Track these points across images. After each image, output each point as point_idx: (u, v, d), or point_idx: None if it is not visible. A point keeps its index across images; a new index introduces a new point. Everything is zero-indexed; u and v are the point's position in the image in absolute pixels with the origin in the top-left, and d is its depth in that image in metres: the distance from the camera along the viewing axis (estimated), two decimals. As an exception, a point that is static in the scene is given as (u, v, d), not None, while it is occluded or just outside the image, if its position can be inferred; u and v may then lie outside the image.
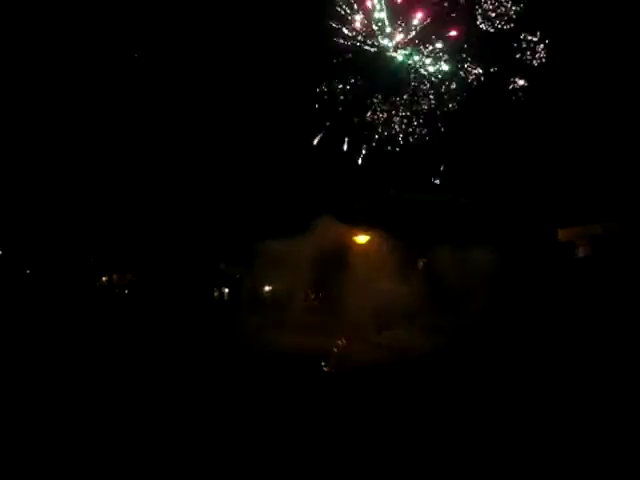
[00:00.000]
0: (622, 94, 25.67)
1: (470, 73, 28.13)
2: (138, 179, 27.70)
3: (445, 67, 28.14)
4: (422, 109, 28.49)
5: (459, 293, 21.09)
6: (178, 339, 19.20)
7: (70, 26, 26.27)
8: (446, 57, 28.03)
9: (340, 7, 27.87)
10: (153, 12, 26.98)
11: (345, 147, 29.00)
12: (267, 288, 28.58)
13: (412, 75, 28.35)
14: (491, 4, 27.47)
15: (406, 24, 27.83)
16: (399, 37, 28.05)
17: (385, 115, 28.66)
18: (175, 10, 27.22)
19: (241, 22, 27.43)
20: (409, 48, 28.08)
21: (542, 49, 27.73)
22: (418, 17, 27.69)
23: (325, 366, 15.60)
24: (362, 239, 20.76)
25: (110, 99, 27.43)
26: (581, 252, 25.97)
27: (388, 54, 28.19)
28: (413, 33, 27.94)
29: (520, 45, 27.92)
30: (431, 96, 28.44)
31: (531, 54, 27.94)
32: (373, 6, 27.79)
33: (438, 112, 28.41)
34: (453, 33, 27.89)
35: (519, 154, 27.44)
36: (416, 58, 28.07)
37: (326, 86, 28.85)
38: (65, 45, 26.51)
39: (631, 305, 19.10)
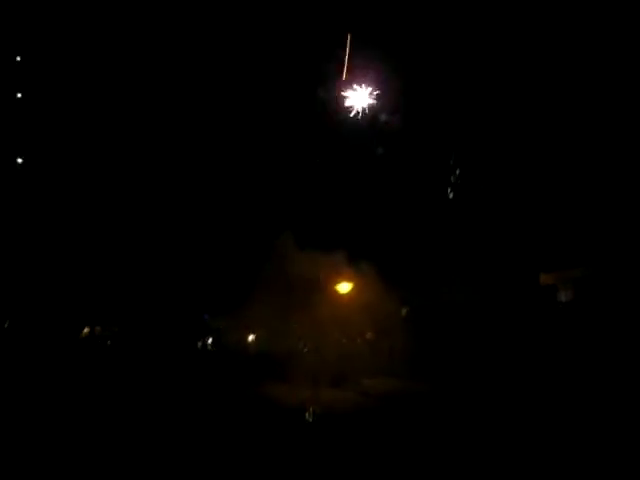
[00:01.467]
0: (598, 137, 25.96)
1: None
2: (120, 231, 27.71)
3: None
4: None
5: (442, 340, 21.10)
6: (161, 389, 19.02)
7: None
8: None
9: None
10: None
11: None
12: (251, 337, 28.41)
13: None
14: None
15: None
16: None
17: None
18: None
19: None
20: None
21: None
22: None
23: (307, 415, 15.45)
24: (345, 287, 20.80)
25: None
26: (563, 296, 26.09)
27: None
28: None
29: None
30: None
31: None
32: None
33: None
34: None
35: (499, 199, 27.76)
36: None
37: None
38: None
39: (614, 349, 19.16)
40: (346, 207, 27.51)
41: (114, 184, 27.66)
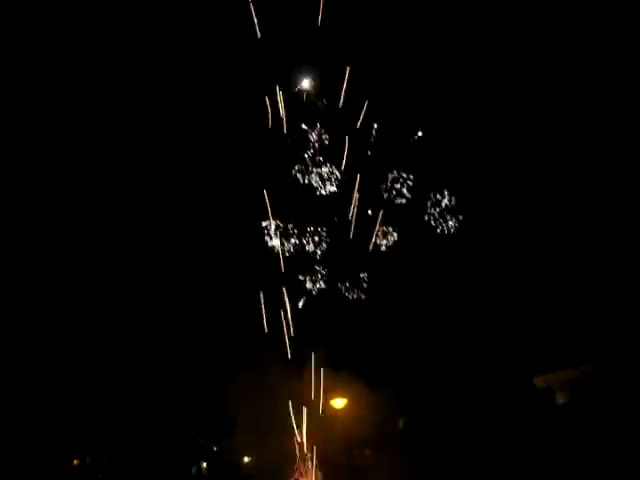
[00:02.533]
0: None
1: None
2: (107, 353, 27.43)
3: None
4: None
5: (440, 452, 20.71)
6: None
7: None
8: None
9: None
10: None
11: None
12: (246, 459, 27.57)
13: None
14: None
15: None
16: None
17: None
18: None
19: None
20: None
21: None
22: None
23: None
24: (339, 403, 20.60)
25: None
26: (560, 398, 25.75)
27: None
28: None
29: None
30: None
31: None
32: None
33: None
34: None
35: (486, 302, 27.85)
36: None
37: None
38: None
39: (612, 453, 18.86)
40: (334, 314, 27.05)
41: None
